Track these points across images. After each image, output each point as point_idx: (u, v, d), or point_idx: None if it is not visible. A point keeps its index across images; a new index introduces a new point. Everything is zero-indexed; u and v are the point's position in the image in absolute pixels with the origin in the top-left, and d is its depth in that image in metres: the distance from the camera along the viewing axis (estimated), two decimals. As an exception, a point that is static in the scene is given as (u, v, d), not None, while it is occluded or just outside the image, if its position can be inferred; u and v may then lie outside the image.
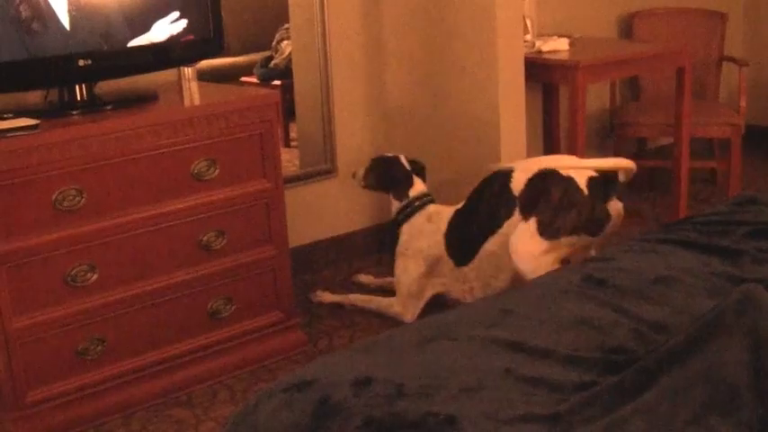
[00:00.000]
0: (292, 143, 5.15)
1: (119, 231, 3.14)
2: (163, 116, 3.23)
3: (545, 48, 4.39)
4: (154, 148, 3.17)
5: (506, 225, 3.53)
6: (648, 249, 2.54)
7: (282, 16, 4.76)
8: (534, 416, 1.73)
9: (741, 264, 2.45)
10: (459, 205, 3.76)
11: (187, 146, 3.25)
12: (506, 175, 3.57)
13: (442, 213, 3.80)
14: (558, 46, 4.43)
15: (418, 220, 3.81)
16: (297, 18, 4.45)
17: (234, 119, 3.34)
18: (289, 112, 4.93)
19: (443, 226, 3.75)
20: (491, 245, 3.60)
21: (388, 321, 3.76)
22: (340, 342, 3.66)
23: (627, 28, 5.45)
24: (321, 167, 4.38)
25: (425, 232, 3.77)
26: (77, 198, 3.03)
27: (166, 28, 3.36)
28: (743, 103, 5.09)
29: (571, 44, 4.52)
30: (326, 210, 4.41)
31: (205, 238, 3.32)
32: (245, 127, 3.37)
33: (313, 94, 4.36)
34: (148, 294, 3.23)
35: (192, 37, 3.45)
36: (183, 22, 3.39)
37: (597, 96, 5.30)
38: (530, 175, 3.50)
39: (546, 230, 3.38)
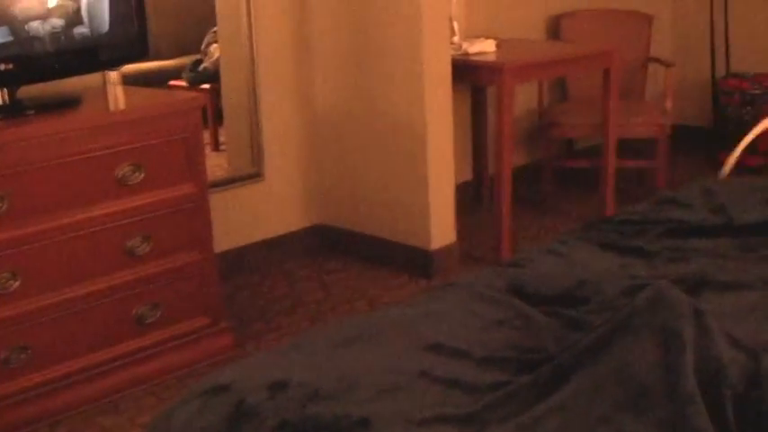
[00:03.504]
0: (222, 147, 5.13)
1: (42, 238, 3.10)
2: (86, 121, 3.21)
3: (472, 49, 4.41)
4: (77, 153, 3.14)
5: None
6: (566, 251, 2.57)
7: (212, 19, 4.74)
8: (448, 416, 1.75)
9: (656, 263, 2.49)
10: None
11: (111, 150, 3.22)
12: None
13: None
14: (484, 47, 4.46)
15: None
16: (224, 22, 4.44)
17: (158, 123, 3.33)
18: (219, 116, 4.92)
19: None
20: None
21: (316, 323, 3.77)
22: (268, 345, 3.65)
23: (555, 29, 5.50)
24: (249, 171, 4.36)
25: None
26: (-1, 204, 2.99)
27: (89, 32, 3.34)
28: (669, 104, 5.18)
29: (498, 45, 4.55)
30: (255, 213, 4.40)
31: (130, 244, 3.29)
32: (170, 131, 3.36)
33: (240, 98, 4.35)
34: (72, 301, 3.20)
35: (116, 41, 3.43)
36: (108, 26, 3.37)
37: (526, 97, 5.35)
38: None
39: None
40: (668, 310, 1.80)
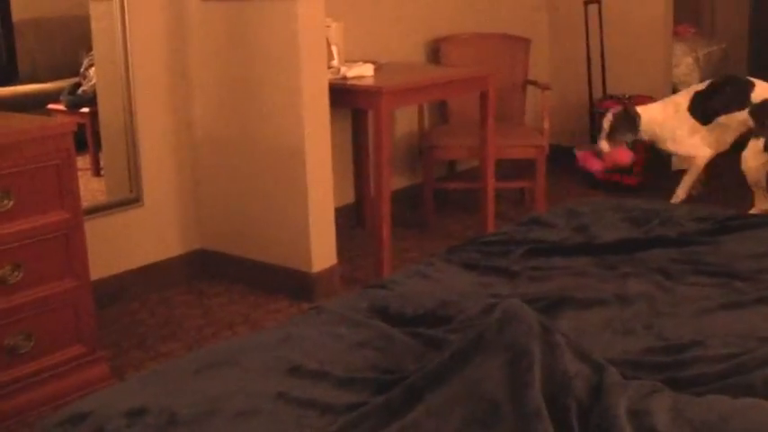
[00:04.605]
0: (102, 172, 5.07)
1: None
2: (-49, 148, 3.15)
3: (350, 74, 4.44)
4: (-58, 181, 3.09)
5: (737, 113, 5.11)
6: (432, 272, 2.62)
7: (90, 42, 4.70)
8: (303, 438, 1.77)
9: (518, 282, 2.56)
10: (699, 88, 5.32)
11: (-23, 178, 3.17)
12: (748, 83, 5.13)
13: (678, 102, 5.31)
14: (363, 72, 4.50)
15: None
16: (100, 45, 4.40)
17: (29, 149, 3.27)
18: (99, 140, 4.86)
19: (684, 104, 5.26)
20: (724, 118, 5.19)
21: (193, 349, 3.75)
22: (146, 373, 3.63)
23: (434, 53, 5.59)
24: (127, 197, 4.33)
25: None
26: None
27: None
28: (546, 125, 5.29)
29: (377, 69, 4.59)
30: (135, 239, 4.37)
31: (0, 273, 3.24)
32: (41, 157, 3.31)
33: (118, 122, 4.32)
34: (-61, 332, 3.14)
35: (-19, 65, 3.39)
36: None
37: (407, 120, 5.41)
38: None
39: None
40: (517, 328, 1.85)
